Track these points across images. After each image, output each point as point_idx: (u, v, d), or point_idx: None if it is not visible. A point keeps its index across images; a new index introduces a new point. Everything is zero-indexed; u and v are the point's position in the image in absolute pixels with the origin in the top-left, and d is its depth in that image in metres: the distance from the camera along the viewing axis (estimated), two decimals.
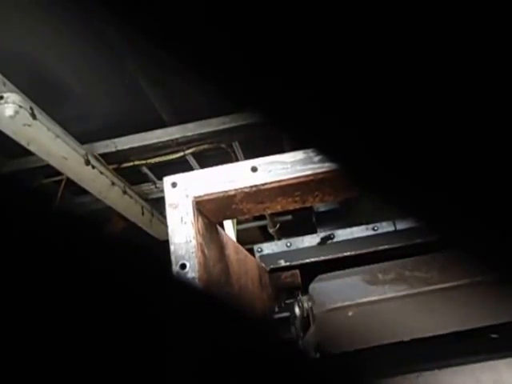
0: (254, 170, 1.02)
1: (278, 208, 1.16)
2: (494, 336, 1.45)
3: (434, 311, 1.56)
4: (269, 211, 1.21)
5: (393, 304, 1.59)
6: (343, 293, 1.64)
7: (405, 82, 0.31)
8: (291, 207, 1.17)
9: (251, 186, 1.01)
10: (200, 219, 1.03)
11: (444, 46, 0.29)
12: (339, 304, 1.60)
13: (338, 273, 1.71)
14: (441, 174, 0.34)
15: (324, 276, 1.70)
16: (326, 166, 1.00)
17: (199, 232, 1.00)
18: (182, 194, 1.01)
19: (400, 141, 0.33)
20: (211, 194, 1.02)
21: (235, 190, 1.01)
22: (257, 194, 1.04)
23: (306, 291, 1.74)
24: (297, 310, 1.55)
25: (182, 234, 0.97)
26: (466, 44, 0.28)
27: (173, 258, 0.95)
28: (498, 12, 0.27)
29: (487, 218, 0.36)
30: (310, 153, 1.01)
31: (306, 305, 1.66)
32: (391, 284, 1.63)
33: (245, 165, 1.03)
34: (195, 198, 1.01)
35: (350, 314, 1.62)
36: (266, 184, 1.01)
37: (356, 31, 0.29)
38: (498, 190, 0.35)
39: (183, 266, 0.93)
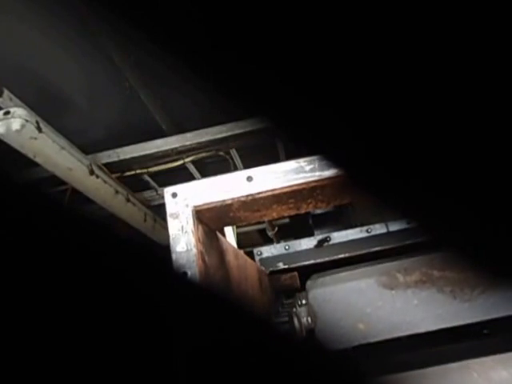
0: (250, 179, 1.04)
1: (274, 215, 1.17)
2: (485, 332, 1.28)
3: None
4: (265, 218, 1.19)
5: None
6: (352, 303, 1.27)
7: (401, 85, 0.30)
8: (286, 214, 1.18)
9: (247, 195, 1.03)
10: (200, 227, 1.05)
11: (443, 47, 0.28)
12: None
13: (344, 274, 1.37)
14: (438, 176, 0.34)
15: (327, 279, 1.37)
16: (316, 175, 1.02)
17: (199, 240, 1.02)
18: (182, 203, 1.03)
19: (399, 143, 0.33)
20: (210, 203, 1.03)
21: (232, 199, 1.03)
22: (253, 203, 1.06)
23: (303, 290, 1.49)
24: (294, 324, 1.27)
25: (183, 242, 0.98)
26: (465, 44, 0.28)
27: (174, 266, 0.95)
28: (498, 12, 0.27)
29: (486, 219, 0.35)
30: (302, 162, 1.03)
31: (304, 320, 1.32)
32: (415, 288, 1.24)
33: (241, 175, 1.04)
34: (195, 207, 1.02)
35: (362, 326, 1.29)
36: (261, 193, 1.03)
37: (354, 35, 0.29)
38: (497, 190, 0.34)
39: (184, 275, 0.93)
